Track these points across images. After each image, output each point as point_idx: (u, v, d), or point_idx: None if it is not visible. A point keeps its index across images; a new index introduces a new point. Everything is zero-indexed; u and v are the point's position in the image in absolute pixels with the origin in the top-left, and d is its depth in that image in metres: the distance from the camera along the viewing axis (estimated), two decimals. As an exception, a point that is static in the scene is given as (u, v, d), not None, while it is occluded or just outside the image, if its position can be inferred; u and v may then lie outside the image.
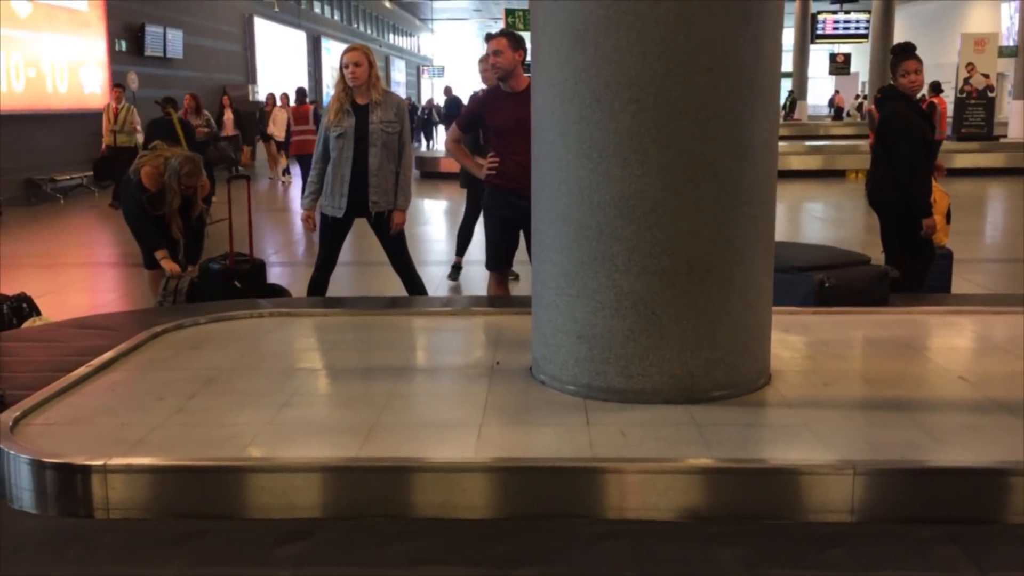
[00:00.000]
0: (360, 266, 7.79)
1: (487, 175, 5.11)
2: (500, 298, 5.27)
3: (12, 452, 2.77)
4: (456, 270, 7.56)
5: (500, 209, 5.11)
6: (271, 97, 18.14)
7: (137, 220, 5.66)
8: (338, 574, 2.41)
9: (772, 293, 3.54)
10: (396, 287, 5.66)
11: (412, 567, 2.42)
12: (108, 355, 3.79)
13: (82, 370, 3.57)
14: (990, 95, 20.10)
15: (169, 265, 5.56)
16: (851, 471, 2.64)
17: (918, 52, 5.38)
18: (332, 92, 5.48)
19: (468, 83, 8.11)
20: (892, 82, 5.42)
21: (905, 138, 5.23)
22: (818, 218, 12.27)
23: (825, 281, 4.31)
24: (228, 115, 16.79)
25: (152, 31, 18.00)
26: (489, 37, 5.24)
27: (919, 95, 5.74)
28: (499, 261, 5.28)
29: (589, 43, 3.16)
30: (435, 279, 7.31)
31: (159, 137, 10.71)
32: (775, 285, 4.01)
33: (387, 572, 2.40)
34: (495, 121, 5.09)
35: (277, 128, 16.54)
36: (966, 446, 2.89)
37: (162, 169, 5.57)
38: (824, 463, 2.72)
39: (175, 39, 18.95)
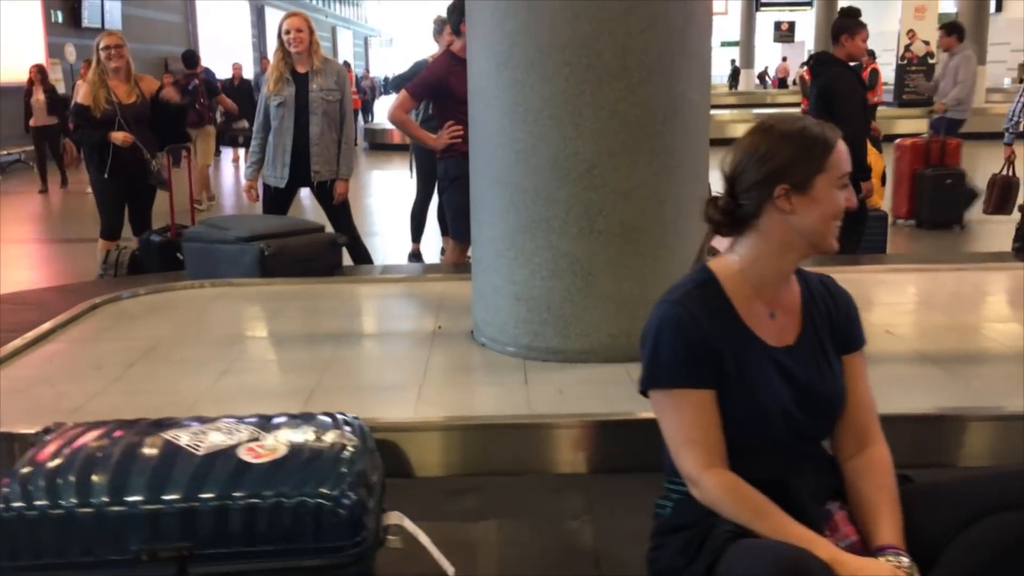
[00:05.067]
0: (306, 237, 7.72)
1: (451, 143, 4.85)
2: (445, 265, 5.26)
3: (-54, 423, 2.75)
4: (416, 258, 6.81)
5: None
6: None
7: (76, 130, 5.59)
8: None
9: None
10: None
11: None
12: (45, 327, 3.76)
13: (18, 342, 3.54)
14: (931, 61, 20.41)
15: (119, 136, 5.42)
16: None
17: (860, 19, 5.44)
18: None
19: (419, 54, 7.97)
20: (832, 48, 5.44)
21: (850, 102, 5.27)
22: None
23: (265, 250, 4.56)
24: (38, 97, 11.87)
25: (90, 1, 17.53)
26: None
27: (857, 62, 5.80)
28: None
29: (522, 6, 3.18)
30: (380, 249, 7.28)
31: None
32: (226, 257, 4.52)
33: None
34: (462, 88, 4.77)
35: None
36: (891, 396, 2.99)
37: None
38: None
39: (113, 9, 18.50)
